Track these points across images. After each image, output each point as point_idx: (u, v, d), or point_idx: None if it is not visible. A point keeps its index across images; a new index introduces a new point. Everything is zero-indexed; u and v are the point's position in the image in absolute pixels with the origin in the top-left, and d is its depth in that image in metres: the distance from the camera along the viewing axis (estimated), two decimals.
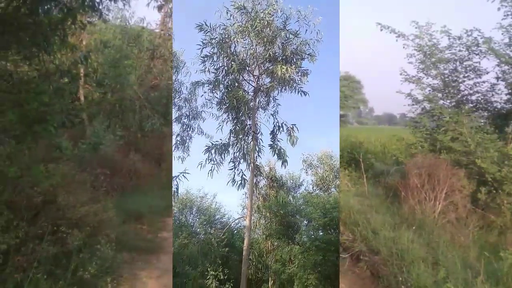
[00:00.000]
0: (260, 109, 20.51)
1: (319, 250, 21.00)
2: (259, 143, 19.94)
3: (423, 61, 18.59)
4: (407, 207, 14.82)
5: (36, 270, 9.43)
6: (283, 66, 18.45)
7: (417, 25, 18.61)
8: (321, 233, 22.50)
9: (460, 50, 18.21)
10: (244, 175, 19.37)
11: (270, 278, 24.34)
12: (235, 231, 28.23)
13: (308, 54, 19.59)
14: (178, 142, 21.63)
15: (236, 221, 28.28)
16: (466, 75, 18.29)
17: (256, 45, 19.76)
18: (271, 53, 19.28)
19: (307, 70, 19.90)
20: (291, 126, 19.20)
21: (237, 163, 19.48)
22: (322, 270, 20.78)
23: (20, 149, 11.56)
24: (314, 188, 29.49)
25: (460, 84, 18.47)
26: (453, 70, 18.48)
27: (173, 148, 21.42)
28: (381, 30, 18.97)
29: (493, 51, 17.21)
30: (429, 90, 18.76)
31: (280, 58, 19.53)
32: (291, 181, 29.50)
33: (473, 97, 18.36)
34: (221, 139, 19.63)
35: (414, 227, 12.79)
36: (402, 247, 11.46)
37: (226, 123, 20.04)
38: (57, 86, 12.68)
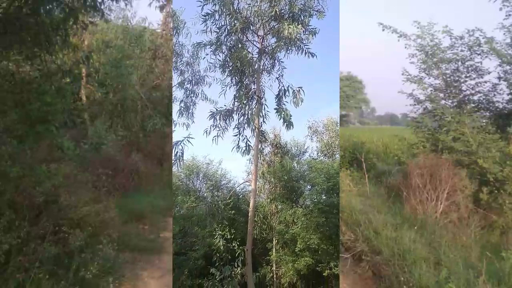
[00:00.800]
0: (264, 73, 19.56)
1: (322, 212, 22.00)
2: (264, 108, 19.08)
3: (425, 61, 18.58)
4: (409, 207, 14.84)
5: (38, 270, 9.45)
6: (289, 25, 17.47)
7: (419, 25, 18.61)
8: (324, 197, 23.29)
9: (462, 50, 18.20)
10: (249, 141, 19.11)
11: (274, 238, 25.26)
12: (241, 196, 28.85)
13: (317, 11, 18.46)
14: (182, 108, 20.57)
15: (242, 186, 29.03)
16: (468, 75, 18.28)
17: (261, 1, 18.56)
18: (276, 10, 17.98)
19: (316, 28, 18.83)
20: (297, 89, 18.36)
21: (241, 129, 19.04)
22: (324, 231, 21.87)
23: (22, 149, 11.58)
24: (319, 154, 29.53)
25: (462, 84, 18.45)
26: (455, 70, 18.46)
27: (177, 115, 20.53)
28: (383, 30, 18.97)
29: (494, 51, 17.21)
30: (431, 90, 18.75)
31: (287, 15, 18.36)
32: (296, 148, 29.73)
33: (475, 97, 18.34)
34: (225, 105, 19.13)
35: (416, 227, 12.80)
36: (404, 247, 11.46)
37: (230, 87, 19.39)
38: (59, 86, 12.74)
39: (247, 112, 18.88)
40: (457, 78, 18.45)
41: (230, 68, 19.09)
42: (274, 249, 25.09)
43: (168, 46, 28.76)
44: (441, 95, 18.61)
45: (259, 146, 21.61)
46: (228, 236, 22.28)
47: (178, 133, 20.59)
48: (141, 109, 25.99)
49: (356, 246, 13.11)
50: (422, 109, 19.19)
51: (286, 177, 25.72)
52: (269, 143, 27.36)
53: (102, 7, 11.93)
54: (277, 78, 19.39)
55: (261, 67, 19.48)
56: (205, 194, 27.52)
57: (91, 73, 23.93)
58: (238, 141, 18.95)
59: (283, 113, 18.44)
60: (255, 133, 18.78)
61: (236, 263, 21.22)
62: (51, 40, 11.52)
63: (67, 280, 9.75)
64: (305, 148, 29.99)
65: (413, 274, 10.24)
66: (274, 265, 25.05)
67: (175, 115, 20.46)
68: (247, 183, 25.92)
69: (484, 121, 17.55)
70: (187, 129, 20.31)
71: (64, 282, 9.64)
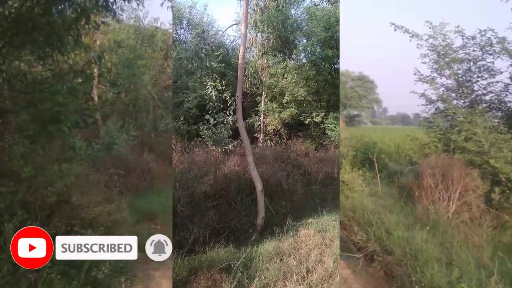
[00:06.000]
0: None
1: (314, 65, 23.32)
2: None
3: (437, 61, 18.49)
4: (421, 207, 14.78)
5: (50, 270, 9.48)
6: None
7: (431, 25, 18.52)
8: (319, 49, 23.74)
9: (474, 50, 18.09)
10: None
11: (263, 92, 26.78)
12: (230, 50, 28.94)
13: None
14: None
15: (232, 39, 29.77)
16: (480, 75, 18.17)
17: None
18: None
19: None
20: None
21: None
22: (313, 85, 23.91)
23: (34, 149, 11.63)
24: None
25: (474, 84, 18.35)
26: (467, 70, 18.36)
27: None
28: (395, 30, 18.89)
29: (506, 51, 17.12)
30: (443, 90, 18.67)
31: None
32: None
33: (487, 97, 18.23)
34: None
35: (428, 227, 12.75)
36: (416, 247, 11.42)
37: None
38: (71, 86, 12.80)
39: None
40: (469, 78, 18.35)
41: None
42: (262, 102, 26.85)
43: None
44: (453, 95, 18.54)
45: None
46: (220, 88, 23.03)
47: None
48: (153, 109, 26.05)
49: (368, 246, 13.08)
50: (434, 109, 19.13)
51: (280, 26, 25.73)
52: None
53: (114, 7, 11.94)
54: None
55: None
56: (191, 46, 25.84)
57: (103, 73, 24.02)
58: None
59: None
60: None
61: (228, 112, 22.39)
62: (63, 40, 11.55)
63: (79, 280, 9.79)
64: None
65: (425, 274, 10.22)
66: (262, 115, 27.79)
67: None
68: (237, 33, 27.19)
69: (496, 121, 17.47)
70: None
71: (76, 282, 9.68)
